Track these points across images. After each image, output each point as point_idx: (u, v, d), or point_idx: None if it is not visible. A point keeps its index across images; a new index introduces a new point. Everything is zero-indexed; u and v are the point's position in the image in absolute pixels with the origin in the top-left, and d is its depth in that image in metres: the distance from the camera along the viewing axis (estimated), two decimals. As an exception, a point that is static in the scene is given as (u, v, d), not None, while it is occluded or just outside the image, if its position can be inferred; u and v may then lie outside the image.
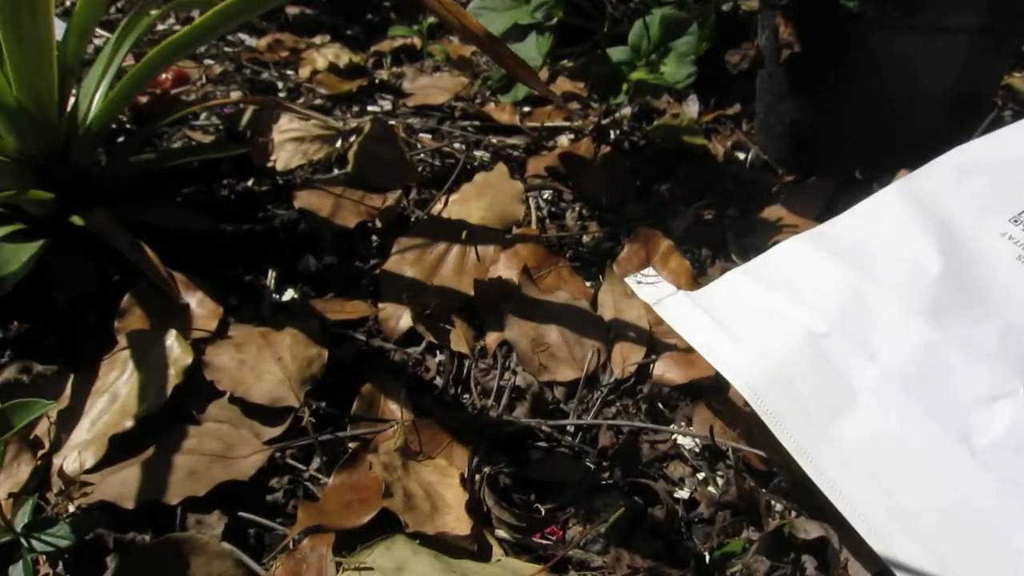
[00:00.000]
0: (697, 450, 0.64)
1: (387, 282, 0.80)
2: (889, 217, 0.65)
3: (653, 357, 0.70)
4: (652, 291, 0.64)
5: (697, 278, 0.80)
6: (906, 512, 0.50)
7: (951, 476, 0.51)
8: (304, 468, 0.64)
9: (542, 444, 0.65)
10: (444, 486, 0.60)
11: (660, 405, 0.68)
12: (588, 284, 0.80)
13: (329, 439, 0.65)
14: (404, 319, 0.76)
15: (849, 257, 0.62)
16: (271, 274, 0.81)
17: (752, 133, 1.06)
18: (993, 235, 0.63)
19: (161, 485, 0.59)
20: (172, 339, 0.69)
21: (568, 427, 0.65)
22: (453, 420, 0.65)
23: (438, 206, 0.92)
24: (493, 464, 0.63)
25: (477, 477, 0.62)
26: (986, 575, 0.48)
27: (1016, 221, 0.63)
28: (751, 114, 1.07)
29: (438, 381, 0.72)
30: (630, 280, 0.66)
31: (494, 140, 1.04)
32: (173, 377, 0.66)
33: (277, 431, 0.65)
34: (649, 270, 0.66)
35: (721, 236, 0.85)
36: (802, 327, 0.58)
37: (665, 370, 0.68)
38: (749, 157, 1.01)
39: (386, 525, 0.57)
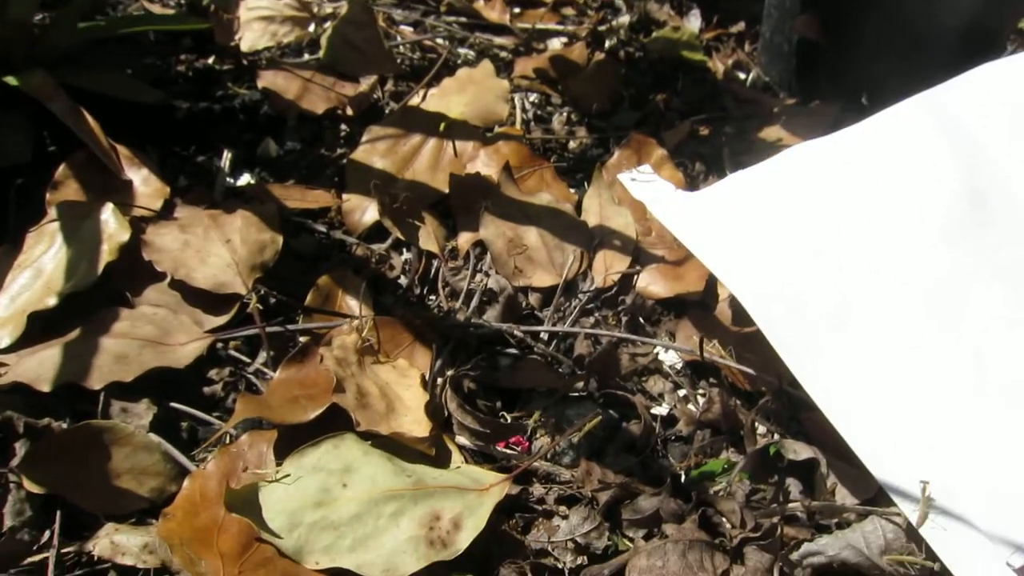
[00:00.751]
0: (679, 366, 0.58)
1: (354, 172, 0.73)
2: (906, 130, 0.59)
3: (638, 268, 0.64)
4: (648, 189, 0.58)
5: (690, 191, 0.74)
6: (908, 434, 0.45)
7: (958, 399, 0.46)
8: (248, 361, 0.58)
9: (512, 351, 0.59)
10: (403, 387, 0.54)
11: (641, 319, 0.62)
12: (572, 191, 0.74)
13: (278, 331, 0.58)
14: (370, 212, 0.69)
15: (862, 168, 0.56)
16: (227, 155, 0.73)
17: (754, 55, 0.99)
18: (1014, 156, 0.57)
19: (84, 368, 0.52)
20: (109, 213, 0.61)
21: (542, 334, 0.59)
22: (417, 319, 0.59)
23: (415, 99, 0.84)
24: (458, 367, 0.57)
25: (439, 380, 0.56)
26: (989, 501, 0.43)
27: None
28: (754, 36, 1.00)
29: (403, 280, 0.66)
30: (624, 177, 0.59)
31: (481, 38, 0.95)
32: (106, 253, 0.58)
33: (221, 320, 0.59)
34: (645, 167, 0.59)
35: (717, 152, 0.79)
36: (808, 236, 0.52)
37: (650, 282, 0.63)
38: (750, 78, 0.94)
39: (334, 426, 0.51)
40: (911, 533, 0.45)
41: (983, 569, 0.42)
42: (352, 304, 0.61)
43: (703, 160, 0.78)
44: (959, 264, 0.51)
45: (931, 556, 0.45)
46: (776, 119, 0.85)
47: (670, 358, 0.59)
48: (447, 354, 0.58)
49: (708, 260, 0.52)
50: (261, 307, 0.57)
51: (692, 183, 0.76)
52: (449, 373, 0.56)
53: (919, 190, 0.54)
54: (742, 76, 0.95)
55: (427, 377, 0.56)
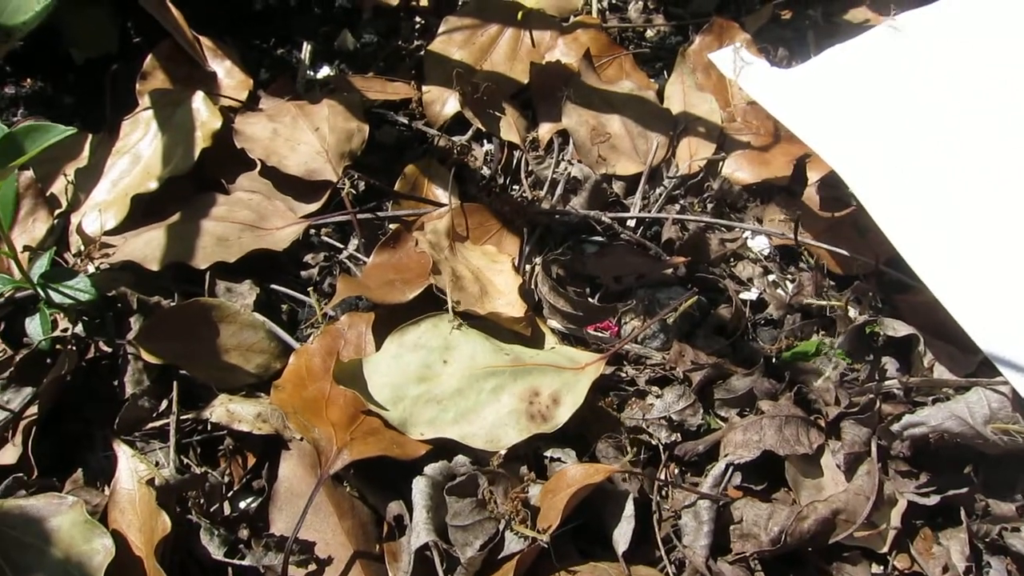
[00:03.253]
0: (767, 252, 0.56)
1: (432, 63, 0.70)
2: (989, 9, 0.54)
3: (723, 154, 0.60)
4: (739, 67, 0.54)
5: (783, 68, 0.69)
6: (1015, 301, 0.43)
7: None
8: (341, 247, 0.57)
9: (599, 239, 0.57)
10: (494, 271, 0.53)
11: (727, 205, 0.59)
12: (652, 80, 0.69)
13: (369, 218, 0.57)
14: (450, 103, 0.66)
15: (964, 35, 0.51)
16: (306, 47, 0.71)
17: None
18: None
19: (189, 249, 0.51)
20: (200, 101, 0.59)
21: (629, 220, 0.57)
22: (504, 205, 0.57)
23: (492, -8, 0.79)
24: (547, 253, 0.55)
25: (528, 267, 0.55)
26: None
27: None
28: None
29: (485, 171, 0.63)
30: (714, 56, 0.55)
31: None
32: (201, 140, 0.57)
33: (313, 206, 0.57)
34: (736, 45, 0.55)
35: (801, 36, 0.73)
36: (908, 107, 0.49)
37: (736, 168, 0.59)
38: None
39: (428, 310, 0.50)
40: (1017, 403, 0.43)
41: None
42: (439, 193, 0.59)
43: (786, 45, 0.73)
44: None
45: (1036, 428, 0.43)
46: (863, 1, 0.79)
47: (759, 244, 0.56)
48: (535, 241, 0.56)
49: (805, 135, 0.49)
50: (353, 192, 0.56)
51: (777, 68, 0.71)
52: (538, 259, 0.54)
53: (997, 77, 0.50)
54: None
55: (516, 263, 0.54)
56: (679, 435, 0.47)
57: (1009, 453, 0.43)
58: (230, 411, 0.44)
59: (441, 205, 0.56)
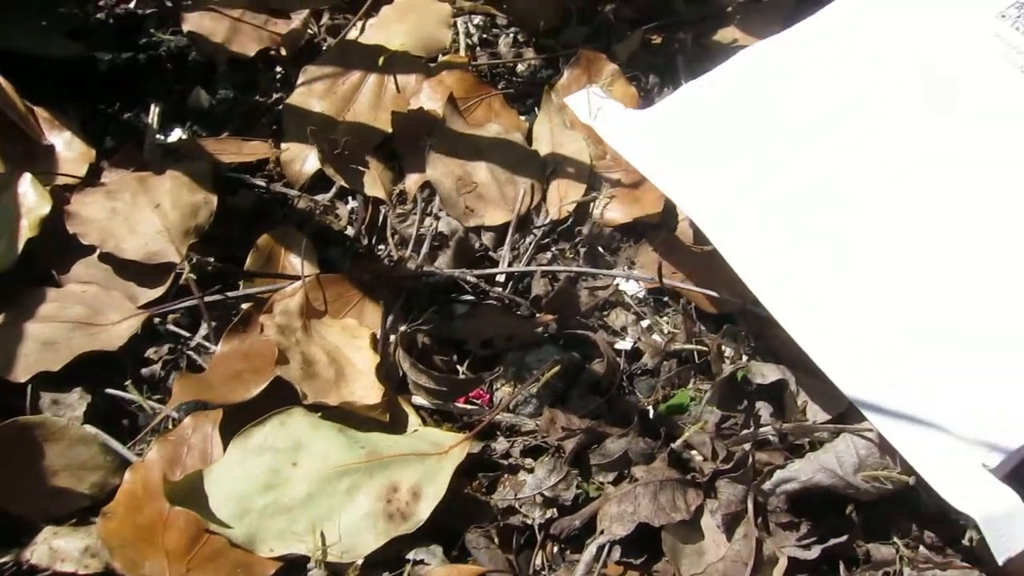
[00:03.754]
0: (641, 295, 0.53)
1: (291, 118, 0.65)
2: (865, 18, 0.52)
3: (594, 194, 0.57)
4: (595, 111, 0.51)
5: (644, 107, 0.67)
6: (874, 344, 0.41)
7: (925, 303, 0.41)
8: (188, 335, 0.52)
9: (468, 297, 0.53)
10: (353, 349, 0.49)
11: (601, 248, 0.56)
12: (523, 118, 0.66)
13: (218, 300, 0.53)
14: (310, 161, 0.62)
15: (822, 63, 0.50)
16: (154, 110, 0.66)
17: (706, -50, 0.89)
18: (979, 33, 0.51)
19: (7, 360, 0.46)
20: (26, 184, 0.54)
21: (498, 276, 0.54)
22: (364, 273, 0.53)
23: (353, 32, 0.75)
24: (411, 321, 0.51)
25: (392, 337, 0.51)
26: (959, 403, 0.39)
27: (1004, 16, 0.51)
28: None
29: (350, 231, 0.59)
30: (570, 100, 0.52)
31: (418, -41, 0.86)
32: (26, 229, 0.52)
33: (156, 292, 0.53)
34: (592, 88, 0.52)
35: (671, 61, 0.71)
36: (761, 144, 0.46)
37: (607, 208, 0.57)
38: (702, -25, 0.85)
39: (284, 399, 0.46)
40: (884, 447, 0.41)
41: (959, 474, 0.38)
42: (296, 263, 0.55)
43: (657, 71, 0.71)
44: (925, 156, 0.45)
45: (906, 469, 0.41)
46: (730, 19, 0.78)
47: (632, 287, 0.53)
48: (399, 308, 0.53)
49: (659, 180, 0.46)
50: (197, 275, 0.51)
51: (647, 97, 0.69)
52: (402, 328, 0.51)
53: (879, 83, 0.48)
54: (694, -25, 0.86)
55: (378, 336, 0.50)
56: (555, 511, 0.44)
57: (884, 497, 0.41)
58: (53, 548, 0.39)
59: (295, 278, 0.52)
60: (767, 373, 0.45)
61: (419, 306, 0.53)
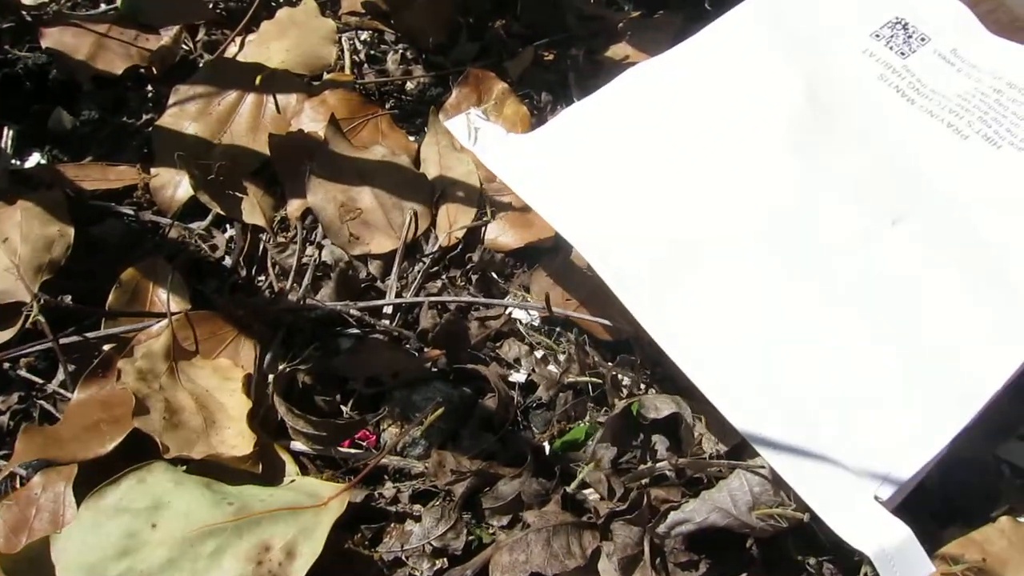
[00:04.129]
0: (535, 323, 0.51)
1: (162, 141, 0.61)
2: (745, 36, 0.52)
3: (485, 218, 0.55)
4: (471, 132, 0.49)
5: (536, 126, 0.65)
6: (762, 376, 0.40)
7: (812, 332, 0.40)
8: (42, 382, 0.47)
9: (353, 331, 0.50)
10: (225, 392, 0.45)
11: (494, 274, 0.54)
12: (412, 139, 0.64)
13: (77, 342, 0.48)
14: (183, 186, 0.58)
15: (704, 84, 0.49)
16: (7, 133, 0.60)
17: (597, -34, 0.89)
18: (854, 53, 0.51)
19: None
20: None
21: (384, 308, 0.51)
22: (240, 308, 0.49)
23: (231, 48, 0.71)
24: (291, 359, 0.48)
25: (271, 377, 0.47)
26: (849, 435, 0.38)
27: (878, 36, 0.51)
28: (596, -55, 0.90)
29: (228, 261, 0.55)
30: (452, 124, 0.50)
31: (303, -28, 0.82)
32: None
33: (6, 335, 0.47)
34: (473, 112, 0.50)
35: (563, 78, 0.70)
36: (649, 170, 0.45)
37: (498, 233, 0.54)
38: (594, -8, 0.85)
39: (150, 450, 0.42)
40: (778, 482, 0.40)
41: (852, 508, 0.38)
42: (165, 299, 0.50)
43: (549, 88, 0.69)
44: (806, 179, 0.45)
45: (801, 505, 0.40)
46: (622, 35, 0.77)
47: (525, 315, 0.51)
48: (278, 344, 0.49)
49: (540, 207, 0.44)
50: (54, 315, 0.46)
51: (540, 115, 0.67)
52: (281, 367, 0.47)
53: (758, 103, 0.48)
54: (586, -9, 0.86)
55: (254, 376, 0.46)
56: (444, 561, 0.41)
57: (781, 534, 0.40)
58: None
59: (162, 316, 0.48)
60: (661, 407, 0.43)
61: (300, 342, 0.49)
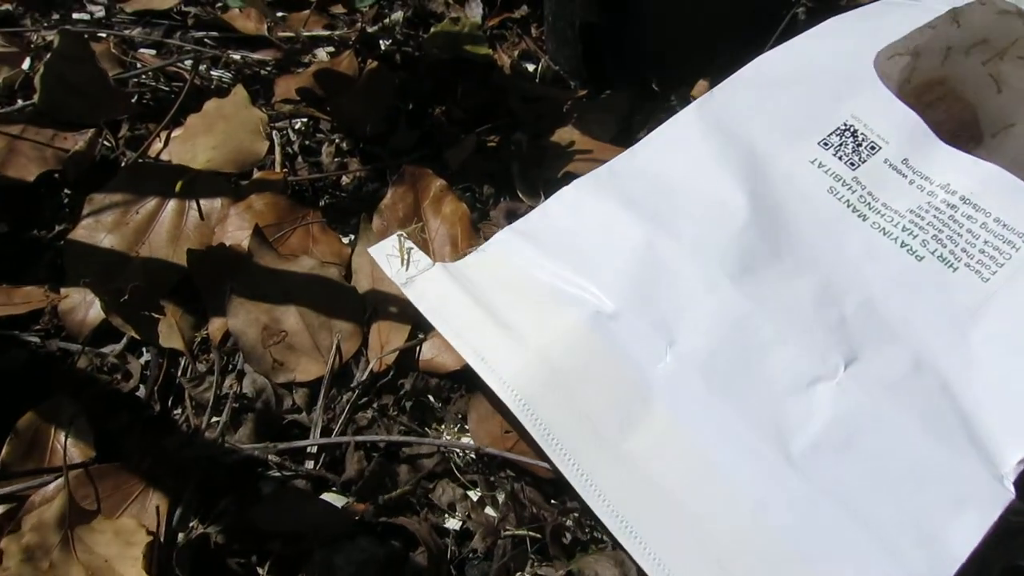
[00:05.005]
0: (473, 457, 0.47)
1: (74, 256, 0.56)
2: (688, 147, 0.48)
3: (420, 337, 0.51)
4: (405, 259, 0.44)
5: (478, 223, 0.61)
6: (716, 553, 0.35)
7: (767, 498, 0.36)
8: (-81, 557, 0.41)
9: (275, 474, 0.45)
10: (127, 562, 0.40)
11: (431, 398, 0.50)
12: (346, 241, 0.60)
13: (-39, 506, 0.42)
14: (95, 309, 0.53)
15: (643, 204, 0.45)
16: (-98, 260, 0.55)
17: (542, 40, 0.86)
18: (802, 163, 0.47)
19: None
20: None
21: (308, 448, 0.46)
22: (147, 456, 0.44)
23: (156, 145, 0.66)
24: (204, 514, 0.43)
25: (181, 536, 0.42)
26: None
27: (826, 144, 0.48)
28: (540, 16, 0.87)
29: (141, 392, 0.50)
30: (375, 251, 0.46)
31: (236, 56, 0.78)
32: None
33: None
34: (391, 239, 0.46)
35: (505, 168, 0.66)
36: (586, 306, 0.41)
37: (435, 353, 0.50)
38: (539, 69, 0.81)
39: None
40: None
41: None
42: (68, 446, 0.45)
43: (492, 179, 0.66)
44: (752, 313, 0.41)
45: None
46: (568, 117, 0.74)
47: (462, 450, 0.47)
48: (190, 496, 0.44)
49: (467, 352, 0.40)
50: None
51: (482, 210, 0.63)
52: (192, 525, 0.42)
53: (705, 223, 0.44)
54: (531, 67, 0.83)
55: (161, 537, 0.41)
56: None
57: None
58: None
59: (59, 472, 0.43)
60: (601, 572, 0.39)
61: (215, 491, 0.44)
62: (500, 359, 0.39)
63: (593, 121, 0.73)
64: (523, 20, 0.88)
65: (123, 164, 0.65)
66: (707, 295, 0.40)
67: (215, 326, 0.53)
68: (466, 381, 0.50)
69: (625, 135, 0.71)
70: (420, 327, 0.52)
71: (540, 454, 0.44)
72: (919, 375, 0.39)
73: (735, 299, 0.40)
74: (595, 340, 0.39)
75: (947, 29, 0.55)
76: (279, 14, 0.86)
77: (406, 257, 0.44)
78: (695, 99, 0.72)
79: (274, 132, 0.67)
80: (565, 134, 0.71)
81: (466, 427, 0.48)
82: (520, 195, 0.64)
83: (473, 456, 0.46)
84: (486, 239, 0.59)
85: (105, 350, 0.52)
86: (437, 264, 0.43)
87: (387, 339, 0.51)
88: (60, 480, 0.42)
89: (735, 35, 0.69)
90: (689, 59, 0.74)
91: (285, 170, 0.64)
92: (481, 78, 0.77)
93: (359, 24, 0.82)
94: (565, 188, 0.46)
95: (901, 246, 0.43)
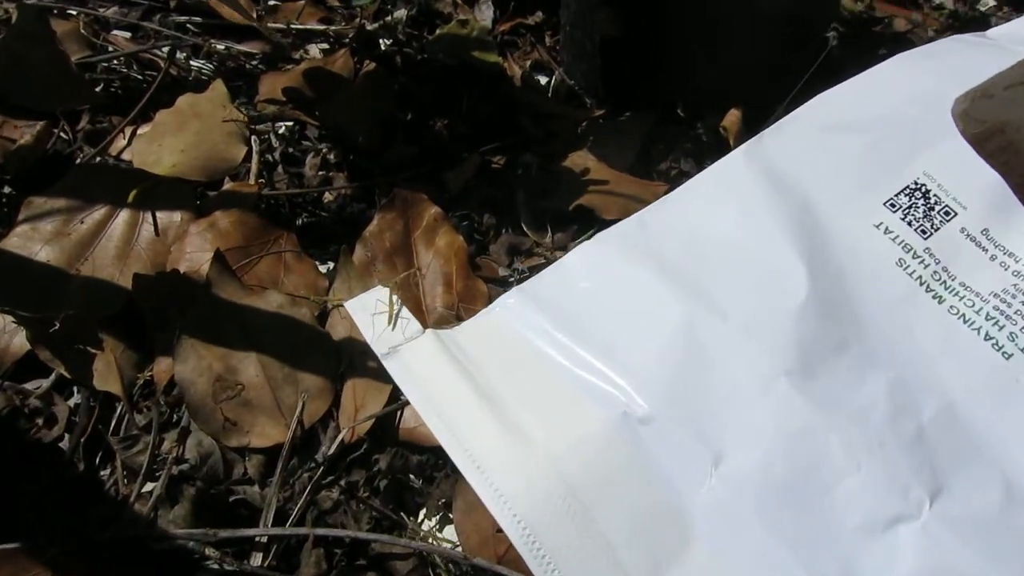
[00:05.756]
0: (458, 558, 0.38)
1: (3, 270, 0.46)
2: (734, 199, 0.39)
3: (402, 399, 0.42)
4: (384, 331, 0.35)
5: (476, 258, 0.52)
6: None
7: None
8: None
9: (214, 567, 0.36)
10: None
11: (411, 476, 0.41)
12: (324, 270, 0.50)
13: None
14: (19, 337, 0.44)
15: (681, 269, 0.36)
16: None
17: (557, 50, 0.77)
18: (866, 227, 0.38)
19: None
20: None
21: (258, 537, 0.37)
22: (53, 544, 0.35)
23: (119, 142, 0.57)
24: (119, 620, 0.34)
25: (88, 648, 0.33)
26: None
27: (894, 205, 0.39)
28: (556, 24, 0.78)
29: (66, 444, 0.41)
30: (353, 306, 0.36)
31: (220, 46, 0.68)
32: None
33: None
34: (379, 291, 0.36)
35: (510, 195, 0.57)
36: (614, 405, 0.32)
37: (418, 422, 0.41)
38: (552, 82, 0.72)
39: None
40: None
41: None
42: (-38, 515, 0.36)
43: (495, 208, 0.57)
44: (813, 425, 0.32)
45: None
46: (583, 140, 0.65)
47: (446, 544, 0.38)
48: (105, 594, 0.35)
49: (454, 449, 0.31)
50: None
51: (481, 242, 0.54)
52: (102, 635, 0.33)
53: (758, 300, 0.35)
54: (543, 80, 0.74)
55: (61, 653, 0.32)
56: None
57: None
58: None
59: (-58, 561, 0.33)
60: None
61: (139, 588, 0.35)
62: (500, 469, 0.30)
63: (610, 146, 0.64)
64: (537, 27, 0.79)
65: (78, 161, 0.55)
66: (762, 397, 0.31)
67: (161, 368, 0.43)
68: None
69: (644, 163, 0.62)
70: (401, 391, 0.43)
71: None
72: (1013, 508, 0.31)
73: (796, 404, 0.31)
74: (623, 451, 0.30)
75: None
76: (271, 2, 0.76)
77: (393, 314, 0.35)
78: (725, 129, 0.64)
79: (253, 137, 0.58)
80: (579, 159, 0.62)
81: (450, 515, 0.39)
82: (524, 228, 0.55)
83: (461, 555, 0.37)
84: (484, 280, 0.51)
85: (28, 387, 0.43)
86: (429, 331, 0.34)
87: (362, 402, 0.42)
88: (-59, 568, 0.33)
89: (771, 64, 0.61)
90: (719, 84, 0.65)
91: (261, 182, 0.55)
92: (489, 89, 0.67)
93: (358, 20, 0.73)
94: (587, 243, 0.37)
95: (985, 339, 0.35)
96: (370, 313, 0.34)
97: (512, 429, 0.30)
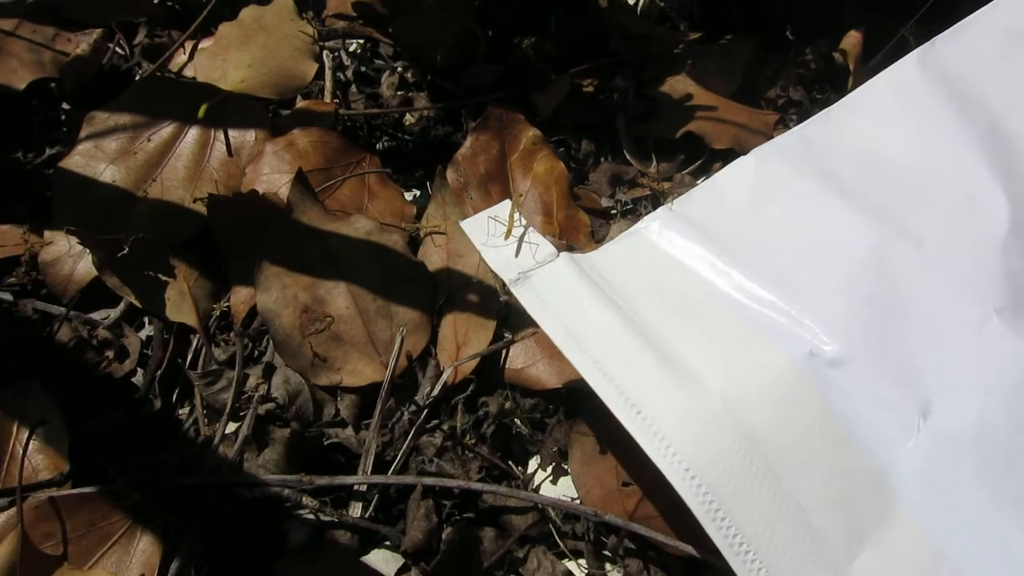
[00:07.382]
0: (588, 512, 0.33)
1: (65, 191, 0.42)
2: (912, 117, 0.33)
3: (507, 336, 0.37)
4: (508, 254, 0.30)
5: (575, 187, 0.47)
6: None
7: None
8: None
9: (309, 516, 0.32)
10: (96, 644, 0.27)
11: (519, 425, 0.36)
12: (410, 197, 0.45)
13: None
14: (84, 262, 0.39)
15: (859, 190, 0.30)
16: None
17: (644, -31, 0.69)
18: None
19: None
20: None
21: (356, 485, 0.32)
22: (134, 486, 0.31)
23: (180, 57, 0.52)
24: (208, 570, 0.30)
25: (177, 603, 0.29)
26: None
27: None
28: (642, -58, 0.70)
29: (138, 379, 0.37)
30: (469, 226, 0.31)
31: (283, -42, 0.62)
32: None
33: None
34: (503, 206, 0.31)
35: (607, 120, 0.51)
36: (797, 344, 0.26)
37: (527, 362, 0.36)
38: (641, 2, 0.65)
39: None
40: None
41: None
42: (34, 449, 0.32)
43: (591, 133, 0.51)
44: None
45: None
46: (680, 64, 0.58)
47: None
48: (191, 543, 0.30)
49: (606, 390, 0.25)
50: None
51: (579, 171, 0.49)
52: (191, 589, 0.29)
53: (955, 229, 0.29)
54: (632, 1, 0.66)
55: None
56: None
57: None
58: None
59: (12, 495, 0.29)
60: None
61: (227, 537, 0.31)
62: (667, 415, 0.24)
63: (712, 71, 0.57)
64: (623, -57, 0.71)
65: (136, 77, 0.50)
66: (972, 339, 0.26)
67: (239, 298, 0.39)
68: (567, 402, 0.36)
69: (748, 91, 0.56)
70: (508, 323, 0.38)
71: (678, 528, 0.30)
72: None
73: (1015, 349, 0.26)
74: (813, 398, 0.24)
75: None
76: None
77: (517, 239, 0.29)
78: (844, 52, 0.56)
79: (324, 53, 0.52)
80: (679, 84, 0.55)
81: (564, 466, 0.34)
82: (627, 156, 0.49)
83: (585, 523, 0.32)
84: (585, 210, 0.45)
85: (95, 316, 0.38)
86: (564, 254, 0.28)
87: (465, 338, 0.36)
88: (12, 511, 0.29)
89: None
90: (834, 7, 0.57)
91: (336, 101, 0.49)
92: (577, 6, 0.60)
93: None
94: (743, 158, 0.31)
95: None
96: (488, 233, 0.29)
97: (677, 369, 0.25)
